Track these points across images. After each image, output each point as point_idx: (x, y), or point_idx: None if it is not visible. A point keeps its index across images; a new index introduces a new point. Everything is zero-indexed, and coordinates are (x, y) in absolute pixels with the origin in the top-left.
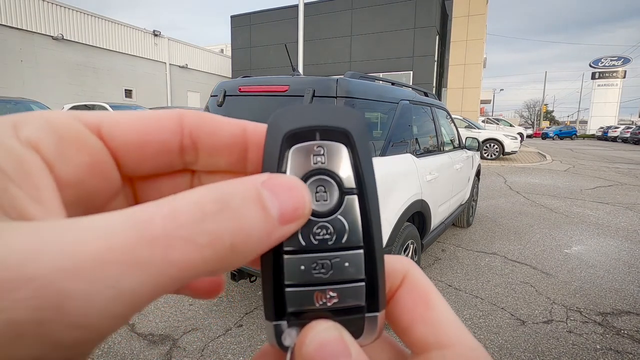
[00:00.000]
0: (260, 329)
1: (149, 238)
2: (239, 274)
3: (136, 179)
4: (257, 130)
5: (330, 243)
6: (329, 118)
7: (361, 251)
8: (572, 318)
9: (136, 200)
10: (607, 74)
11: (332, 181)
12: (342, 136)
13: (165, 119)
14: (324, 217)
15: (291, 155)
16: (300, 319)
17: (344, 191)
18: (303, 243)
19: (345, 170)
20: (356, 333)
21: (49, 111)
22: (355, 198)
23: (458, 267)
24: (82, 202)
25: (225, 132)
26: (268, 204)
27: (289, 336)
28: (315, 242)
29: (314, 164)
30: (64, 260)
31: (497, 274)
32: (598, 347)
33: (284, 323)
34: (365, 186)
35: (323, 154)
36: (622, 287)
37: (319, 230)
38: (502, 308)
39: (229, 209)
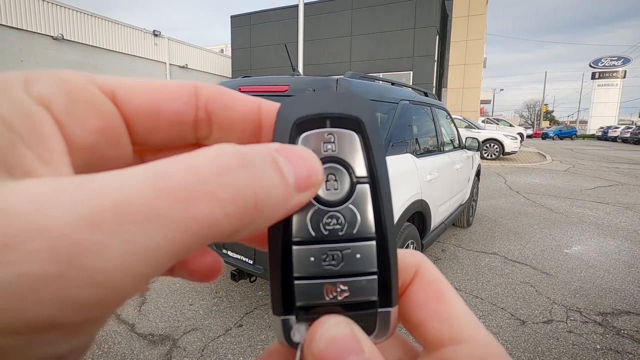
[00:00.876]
0: (260, 329)
1: (170, 191)
2: (239, 274)
3: (145, 151)
4: (271, 108)
5: (340, 233)
6: (339, 105)
7: (373, 242)
8: (572, 318)
9: None
10: (607, 74)
11: (343, 169)
12: (353, 124)
13: (181, 90)
14: (335, 206)
15: (301, 142)
16: (310, 313)
17: (355, 180)
18: (313, 233)
19: (356, 158)
20: (368, 329)
21: (62, 70)
22: (367, 187)
23: (458, 267)
24: (91, 169)
25: (240, 107)
26: (284, 168)
27: (298, 332)
28: (325, 233)
29: (324, 151)
30: (80, 209)
31: (497, 274)
32: (598, 347)
33: (292, 318)
34: (377, 175)
35: (334, 142)
36: (622, 287)
37: (329, 220)
38: (502, 308)
39: (252, 165)
